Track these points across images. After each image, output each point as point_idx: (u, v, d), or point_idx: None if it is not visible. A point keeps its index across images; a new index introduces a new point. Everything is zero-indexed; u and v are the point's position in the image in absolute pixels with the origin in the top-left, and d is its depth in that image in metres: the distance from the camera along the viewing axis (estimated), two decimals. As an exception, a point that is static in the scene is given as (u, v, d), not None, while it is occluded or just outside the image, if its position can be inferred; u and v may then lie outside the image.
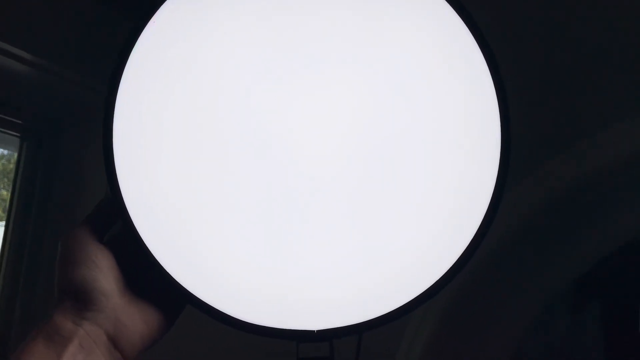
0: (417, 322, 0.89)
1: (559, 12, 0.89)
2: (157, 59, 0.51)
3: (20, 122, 1.08)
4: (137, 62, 0.51)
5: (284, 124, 0.51)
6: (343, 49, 0.52)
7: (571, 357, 1.01)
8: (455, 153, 0.51)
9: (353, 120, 0.52)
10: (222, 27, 0.52)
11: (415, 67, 0.52)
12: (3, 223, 1.10)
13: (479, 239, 0.50)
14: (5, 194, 1.30)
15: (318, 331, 0.49)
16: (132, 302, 0.49)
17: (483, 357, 0.93)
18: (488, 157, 0.51)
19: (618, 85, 0.89)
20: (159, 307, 0.50)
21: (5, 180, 1.29)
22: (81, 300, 0.48)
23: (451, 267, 0.50)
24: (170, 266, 0.49)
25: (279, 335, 0.49)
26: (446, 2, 0.51)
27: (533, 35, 0.90)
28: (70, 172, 1.11)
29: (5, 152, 1.25)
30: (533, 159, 0.91)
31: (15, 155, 1.14)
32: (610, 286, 1.00)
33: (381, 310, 0.50)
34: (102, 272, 0.48)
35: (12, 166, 1.25)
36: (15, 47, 0.95)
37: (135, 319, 0.49)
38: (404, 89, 0.51)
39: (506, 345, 0.95)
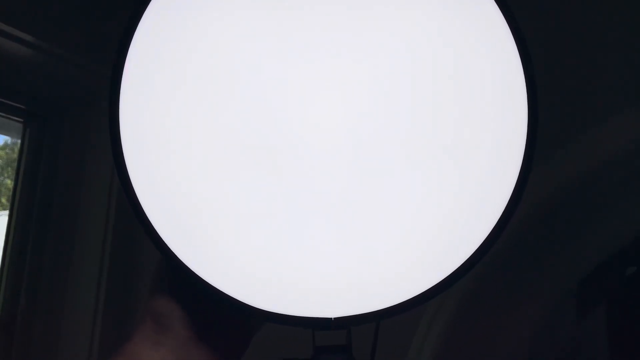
0: (430, 314, 0.89)
1: (555, 7, 0.88)
2: (162, 46, 0.49)
3: (23, 107, 1.06)
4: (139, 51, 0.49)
5: (294, 119, 0.50)
6: (349, 41, 0.50)
7: (577, 357, 1.00)
8: (479, 144, 0.50)
9: (362, 114, 0.50)
10: (230, 9, 0.50)
11: (432, 59, 0.50)
12: (7, 212, 1.08)
13: (500, 230, 0.49)
14: (10, 182, 1.29)
15: (335, 319, 0.48)
16: (200, 336, 0.50)
17: (495, 346, 0.93)
18: (510, 155, 0.50)
19: (616, 78, 0.88)
20: (225, 342, 0.52)
21: (9, 169, 1.28)
22: (161, 324, 0.49)
23: (470, 257, 0.49)
24: (184, 255, 0.47)
25: (296, 323, 0.48)
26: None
27: (531, 31, 0.89)
28: (75, 157, 1.10)
29: (9, 140, 1.24)
30: (537, 157, 0.91)
31: (19, 142, 1.12)
32: (615, 286, 0.99)
33: (399, 298, 0.49)
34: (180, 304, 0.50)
35: (16, 155, 1.23)
36: (17, 30, 0.93)
37: (202, 353, 0.50)
38: (416, 84, 0.50)
39: (518, 338, 0.94)
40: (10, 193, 1.08)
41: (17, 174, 1.06)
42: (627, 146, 0.89)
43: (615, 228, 0.94)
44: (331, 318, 0.48)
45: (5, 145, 1.28)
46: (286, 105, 0.50)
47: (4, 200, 1.35)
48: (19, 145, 1.10)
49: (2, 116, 1.04)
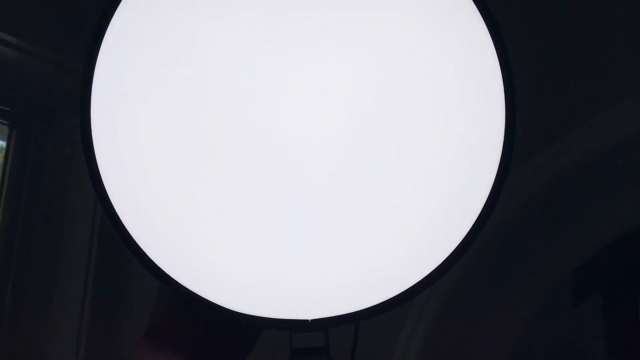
0: (417, 312, 0.88)
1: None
2: (137, 43, 0.49)
3: (8, 109, 1.05)
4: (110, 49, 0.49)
5: (279, 115, 0.49)
6: (339, 34, 0.50)
7: (572, 348, 1.00)
8: (456, 141, 0.49)
9: (351, 112, 0.50)
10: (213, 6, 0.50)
11: (418, 57, 0.50)
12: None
13: (478, 229, 0.49)
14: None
15: (312, 320, 0.48)
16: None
17: (485, 343, 0.92)
18: (488, 148, 0.49)
19: (611, 68, 0.88)
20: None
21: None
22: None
23: (448, 256, 0.49)
24: (158, 257, 0.47)
25: (272, 326, 0.47)
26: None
27: (524, 25, 0.89)
28: (62, 160, 1.09)
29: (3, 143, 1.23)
30: (528, 148, 0.91)
31: (4, 144, 1.11)
32: (610, 276, 0.99)
33: (378, 298, 0.49)
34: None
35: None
36: (1, 32, 0.93)
37: None
38: (404, 83, 0.49)
39: (507, 335, 0.94)
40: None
41: (3, 177, 1.06)
42: (621, 139, 0.89)
43: (608, 219, 0.94)
44: (308, 320, 0.47)
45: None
46: (272, 106, 0.49)
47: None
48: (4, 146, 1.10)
49: (-13, 119, 1.04)
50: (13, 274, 1.03)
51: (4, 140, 1.07)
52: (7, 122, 1.05)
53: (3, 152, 1.13)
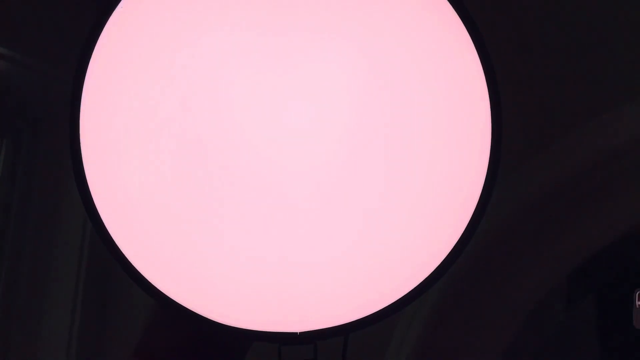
0: (407, 320, 0.89)
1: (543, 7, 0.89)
2: (125, 50, 0.49)
3: (-4, 119, 1.06)
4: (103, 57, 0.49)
5: (267, 118, 0.49)
6: (332, 39, 0.50)
7: (566, 352, 1.01)
8: (444, 151, 0.49)
9: (344, 116, 0.50)
10: (199, 11, 0.50)
11: (405, 63, 0.50)
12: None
13: (465, 242, 0.49)
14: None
15: (301, 333, 0.48)
16: None
17: (476, 353, 0.92)
18: (477, 155, 0.49)
19: (604, 75, 0.88)
20: None
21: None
22: None
23: (436, 269, 0.49)
24: (144, 268, 0.47)
25: (261, 338, 0.48)
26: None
27: (517, 31, 0.89)
28: (51, 170, 1.09)
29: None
30: (523, 153, 0.91)
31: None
32: (604, 280, 1.00)
33: (367, 310, 0.49)
34: None
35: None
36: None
37: None
38: (396, 88, 0.49)
39: (499, 342, 0.94)
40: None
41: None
42: (616, 143, 0.89)
43: (602, 223, 0.95)
44: (297, 333, 0.47)
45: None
46: (267, 115, 0.49)
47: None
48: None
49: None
50: (2, 284, 1.03)
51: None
52: (-5, 133, 1.06)
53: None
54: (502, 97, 0.49)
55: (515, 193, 0.92)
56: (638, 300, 0.78)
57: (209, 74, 0.49)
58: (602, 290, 1.00)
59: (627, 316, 0.89)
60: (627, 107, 0.89)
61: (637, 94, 0.88)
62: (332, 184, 0.49)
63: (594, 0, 0.89)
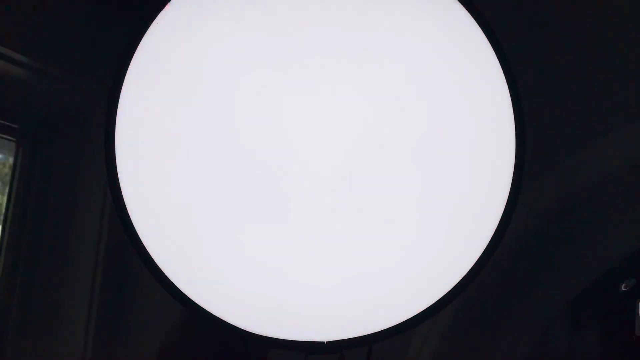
0: (424, 333, 0.89)
1: (557, 19, 0.89)
2: (159, 62, 0.51)
3: (16, 126, 1.06)
4: (139, 67, 0.50)
5: (290, 130, 0.51)
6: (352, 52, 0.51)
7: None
8: (466, 171, 0.51)
9: (362, 126, 0.51)
10: (225, 29, 0.51)
11: (427, 72, 0.51)
12: (-1, 228, 1.08)
13: (488, 255, 0.50)
14: (1, 197, 1.28)
15: (328, 342, 0.49)
16: None
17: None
18: (497, 176, 0.51)
19: (617, 92, 0.89)
20: None
21: (0, 184, 1.28)
22: None
23: (457, 284, 0.51)
24: (180, 281, 0.48)
25: (290, 347, 0.49)
26: (459, 4, 0.51)
27: (532, 45, 0.90)
28: (67, 177, 1.10)
29: (0, 156, 1.24)
30: (534, 171, 0.92)
31: (9, 159, 1.12)
32: (609, 301, 1.00)
33: (391, 321, 0.50)
34: None
35: (7, 170, 1.23)
36: (12, 50, 0.94)
37: None
38: (416, 99, 0.51)
39: (514, 352, 0.95)
40: (2, 208, 1.08)
41: (10, 192, 1.06)
42: (621, 165, 0.90)
43: (608, 245, 0.95)
44: (324, 342, 0.49)
45: (-5, 160, 1.28)
46: (288, 135, 0.50)
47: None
48: (9, 161, 1.10)
49: (-5, 135, 1.05)
50: (19, 289, 1.04)
51: (9, 155, 1.08)
52: (14, 139, 1.06)
53: (9, 167, 1.14)
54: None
55: (523, 214, 0.93)
56: (640, 310, 0.79)
57: (237, 97, 0.50)
58: (606, 312, 1.00)
59: (631, 338, 0.90)
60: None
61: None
62: (358, 205, 0.50)
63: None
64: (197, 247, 0.50)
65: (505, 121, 0.50)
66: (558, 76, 0.90)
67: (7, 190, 1.14)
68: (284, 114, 0.50)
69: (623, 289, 0.81)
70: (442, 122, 0.51)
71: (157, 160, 0.50)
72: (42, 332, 1.03)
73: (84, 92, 1.05)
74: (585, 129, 0.91)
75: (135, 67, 0.50)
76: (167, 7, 0.51)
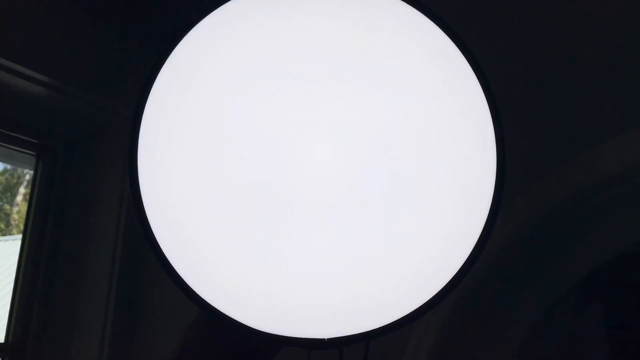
0: (423, 327, 0.91)
1: (547, 29, 0.91)
2: (182, 84, 0.54)
3: (36, 141, 1.11)
4: (162, 88, 0.54)
5: (293, 136, 0.54)
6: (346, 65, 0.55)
7: (573, 355, 1.01)
8: (454, 164, 0.54)
9: (358, 131, 0.54)
10: (246, 50, 0.55)
11: (411, 89, 0.55)
12: (19, 236, 1.12)
13: (480, 248, 0.52)
14: (8, 208, 1.32)
15: (328, 339, 0.51)
16: None
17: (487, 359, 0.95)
18: (486, 170, 0.53)
19: (610, 99, 0.91)
20: None
21: (9, 194, 1.32)
22: None
23: (455, 275, 0.52)
24: (184, 273, 0.51)
25: (291, 343, 0.51)
26: (435, 25, 0.54)
27: (523, 54, 0.92)
28: (85, 189, 1.14)
29: (8, 167, 1.28)
30: (534, 170, 0.93)
31: (18, 170, 1.17)
32: (613, 287, 1.00)
33: (389, 318, 0.52)
34: None
35: (15, 180, 1.28)
36: (31, 70, 0.98)
37: None
38: (405, 111, 0.54)
39: (509, 349, 0.96)
40: (9, 218, 1.12)
41: (30, 205, 1.10)
42: (626, 163, 0.91)
43: (612, 235, 0.95)
44: (324, 338, 0.51)
45: (5, 171, 1.32)
46: (291, 148, 0.54)
47: (2, 225, 1.38)
48: (19, 172, 1.15)
49: (16, 150, 1.09)
50: (38, 298, 1.07)
51: (31, 169, 1.13)
52: (34, 153, 1.11)
53: (17, 177, 1.19)
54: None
55: (524, 208, 0.94)
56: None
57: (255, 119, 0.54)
58: (611, 297, 1.00)
59: (636, 323, 0.90)
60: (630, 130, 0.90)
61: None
62: (356, 206, 0.53)
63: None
64: (201, 244, 0.53)
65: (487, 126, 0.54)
66: (554, 77, 0.92)
67: (15, 200, 1.19)
68: (292, 124, 0.54)
69: None
70: (436, 125, 0.54)
71: (179, 174, 0.54)
72: (60, 337, 1.06)
73: (102, 109, 1.10)
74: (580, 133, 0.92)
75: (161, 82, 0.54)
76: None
